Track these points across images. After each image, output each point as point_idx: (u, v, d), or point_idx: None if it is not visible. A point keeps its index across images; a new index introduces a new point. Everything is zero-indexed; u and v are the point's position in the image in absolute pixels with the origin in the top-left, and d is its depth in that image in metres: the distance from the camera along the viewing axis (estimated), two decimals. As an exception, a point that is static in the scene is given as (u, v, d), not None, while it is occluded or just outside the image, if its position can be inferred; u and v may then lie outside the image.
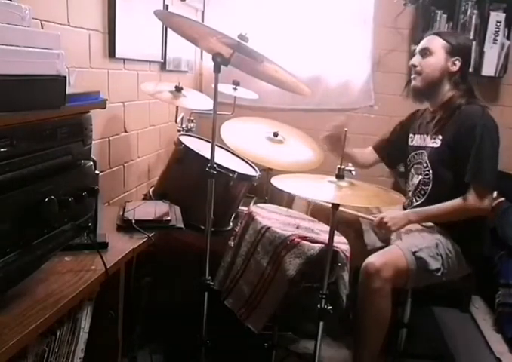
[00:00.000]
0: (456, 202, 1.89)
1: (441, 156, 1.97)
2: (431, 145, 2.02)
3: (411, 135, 2.17)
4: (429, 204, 1.97)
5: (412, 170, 2.11)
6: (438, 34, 2.04)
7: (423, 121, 2.14)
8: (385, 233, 2.02)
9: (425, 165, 2.03)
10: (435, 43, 2.00)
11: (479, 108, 1.93)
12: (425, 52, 2.01)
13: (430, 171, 2.00)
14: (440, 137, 1.98)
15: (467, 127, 1.89)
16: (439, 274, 1.87)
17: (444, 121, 1.99)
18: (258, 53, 1.56)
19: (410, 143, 2.16)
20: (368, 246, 2.06)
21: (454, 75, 2.00)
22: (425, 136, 2.07)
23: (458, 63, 1.99)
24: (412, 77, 2.06)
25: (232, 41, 1.53)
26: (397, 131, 2.25)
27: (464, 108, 1.94)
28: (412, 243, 1.90)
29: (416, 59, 2.04)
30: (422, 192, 2.04)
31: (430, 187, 2.01)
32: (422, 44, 2.05)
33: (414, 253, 1.84)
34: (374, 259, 1.81)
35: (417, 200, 2.05)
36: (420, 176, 2.05)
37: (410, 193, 2.10)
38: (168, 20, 1.87)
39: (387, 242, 2.02)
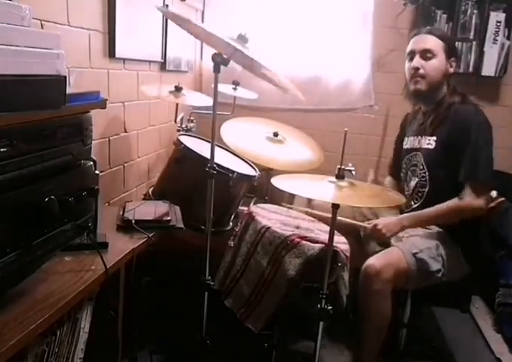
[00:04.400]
0: (451, 203, 1.87)
1: (436, 157, 1.97)
2: (426, 146, 2.01)
3: (405, 138, 2.16)
4: (427, 207, 1.96)
5: (409, 172, 2.10)
6: (434, 34, 2.00)
7: (416, 122, 2.13)
8: (379, 238, 2.01)
9: (421, 167, 2.02)
10: (435, 44, 1.97)
11: (472, 107, 1.92)
12: (427, 54, 1.97)
13: (427, 173, 2.00)
14: (435, 138, 1.98)
15: (461, 127, 1.89)
16: (439, 275, 1.87)
17: (438, 122, 1.98)
18: (256, 60, 1.56)
19: (404, 147, 2.16)
20: (368, 252, 2.06)
21: (451, 76, 2.00)
22: (419, 137, 2.06)
23: (453, 64, 1.99)
24: (415, 80, 1.99)
25: (230, 48, 1.52)
26: (398, 148, 2.24)
27: (457, 107, 1.93)
28: (413, 244, 1.90)
29: (418, 62, 1.98)
30: (419, 195, 2.03)
31: (426, 189, 2.00)
32: (422, 45, 1.99)
33: (414, 254, 1.84)
34: (374, 261, 1.81)
35: (415, 203, 2.05)
36: (416, 179, 2.05)
37: (408, 196, 2.09)
38: (171, 16, 1.86)
39: (386, 246, 2.01)
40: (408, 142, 2.13)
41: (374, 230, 1.94)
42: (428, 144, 2.00)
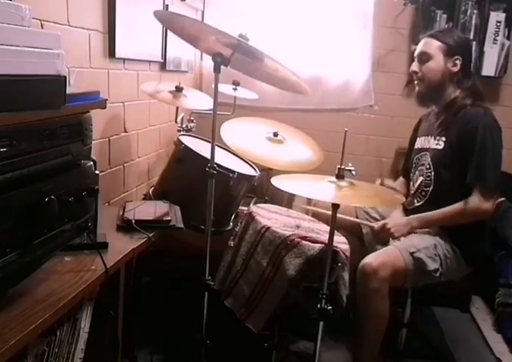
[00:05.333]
0: (458, 206, 1.88)
1: (443, 158, 1.97)
2: (434, 146, 2.02)
3: (417, 139, 2.17)
4: (429, 206, 1.97)
5: (417, 172, 2.11)
6: (433, 36, 2.02)
7: (428, 122, 2.14)
8: (385, 237, 2.02)
9: (427, 167, 2.03)
10: (431, 46, 1.99)
11: (482, 110, 1.92)
12: (423, 57, 2.01)
13: (432, 173, 2.00)
14: (444, 139, 1.98)
15: (469, 129, 1.89)
16: (437, 274, 1.87)
17: (448, 123, 1.99)
18: (258, 50, 1.56)
19: (415, 147, 2.16)
20: (369, 250, 2.06)
21: (456, 75, 1.99)
22: (429, 137, 2.07)
23: (458, 63, 1.98)
24: (415, 83, 2.06)
25: (232, 41, 1.53)
26: (411, 150, 2.23)
27: (467, 109, 1.94)
28: (410, 243, 1.90)
29: (416, 66, 2.04)
30: (423, 194, 2.04)
31: (431, 188, 2.00)
32: (419, 48, 2.04)
33: (412, 253, 1.85)
34: (371, 260, 1.81)
35: (418, 201, 2.05)
36: (421, 178, 2.05)
37: (412, 194, 2.10)
38: (168, 21, 1.86)
39: (386, 245, 2.02)
40: (419, 142, 2.14)
41: (383, 229, 1.96)
42: (437, 144, 2.01)
